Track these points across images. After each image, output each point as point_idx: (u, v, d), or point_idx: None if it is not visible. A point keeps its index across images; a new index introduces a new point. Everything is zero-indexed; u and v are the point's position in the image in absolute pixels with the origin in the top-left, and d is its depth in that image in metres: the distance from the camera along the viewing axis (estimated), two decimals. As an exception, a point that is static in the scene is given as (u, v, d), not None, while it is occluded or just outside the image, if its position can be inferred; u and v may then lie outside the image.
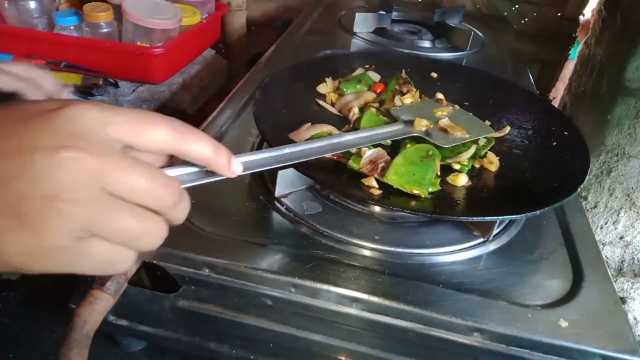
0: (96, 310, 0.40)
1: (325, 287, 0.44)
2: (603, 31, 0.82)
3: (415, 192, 0.51)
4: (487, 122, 0.66)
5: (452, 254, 0.50)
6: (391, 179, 0.51)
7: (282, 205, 0.53)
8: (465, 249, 0.51)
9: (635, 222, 0.76)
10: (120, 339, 0.53)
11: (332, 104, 0.69)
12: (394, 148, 0.58)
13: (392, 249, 0.49)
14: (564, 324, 0.43)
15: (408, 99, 0.66)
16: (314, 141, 0.47)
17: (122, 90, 0.90)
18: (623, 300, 0.78)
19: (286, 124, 0.61)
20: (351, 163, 0.53)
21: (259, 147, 0.62)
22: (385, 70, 0.77)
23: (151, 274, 0.48)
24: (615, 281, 0.79)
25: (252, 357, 0.48)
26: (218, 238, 0.47)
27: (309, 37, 1.03)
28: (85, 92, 0.86)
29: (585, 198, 0.80)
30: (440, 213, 0.50)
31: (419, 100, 0.68)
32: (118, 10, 0.92)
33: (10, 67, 0.45)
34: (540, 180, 0.56)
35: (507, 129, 0.66)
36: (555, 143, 0.62)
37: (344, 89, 0.70)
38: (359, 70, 0.75)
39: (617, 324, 0.44)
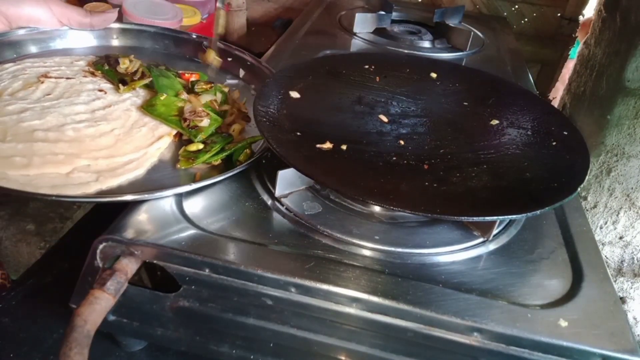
0: (96, 310, 0.40)
1: (325, 287, 0.44)
2: (603, 31, 0.82)
3: None
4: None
5: (452, 254, 0.50)
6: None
7: (282, 205, 0.53)
8: (465, 249, 0.51)
9: (634, 222, 0.76)
10: (120, 339, 0.52)
11: None
12: None
13: (392, 248, 0.49)
14: (563, 323, 0.43)
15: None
16: None
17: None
18: (623, 300, 0.78)
19: (286, 124, 0.61)
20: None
21: (259, 147, 0.62)
22: (385, 70, 0.77)
23: (151, 274, 0.48)
24: (615, 281, 0.79)
25: (252, 357, 0.48)
26: (218, 238, 0.47)
27: (309, 37, 1.03)
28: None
29: (585, 198, 0.80)
30: (440, 213, 0.49)
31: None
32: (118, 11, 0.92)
33: None
34: (540, 180, 0.56)
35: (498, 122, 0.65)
36: (555, 143, 0.62)
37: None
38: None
39: (616, 323, 0.44)
